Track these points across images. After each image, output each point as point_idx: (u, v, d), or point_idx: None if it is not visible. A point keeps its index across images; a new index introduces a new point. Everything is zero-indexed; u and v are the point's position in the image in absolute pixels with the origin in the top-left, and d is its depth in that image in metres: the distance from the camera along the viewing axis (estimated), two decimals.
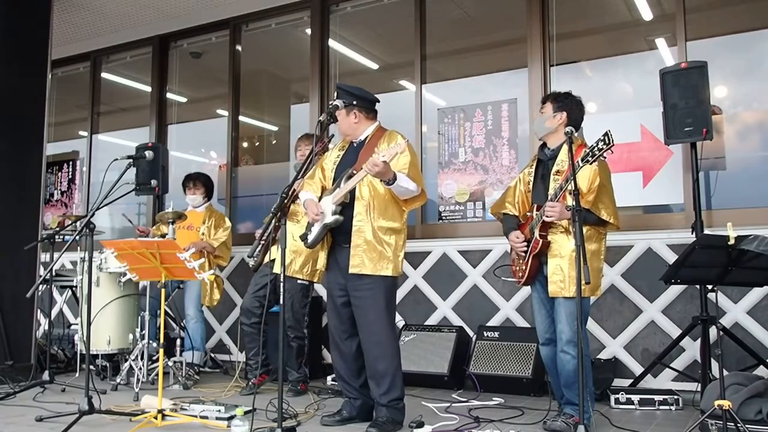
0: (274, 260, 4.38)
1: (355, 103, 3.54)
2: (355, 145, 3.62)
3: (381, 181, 3.30)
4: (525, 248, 3.40)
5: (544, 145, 3.53)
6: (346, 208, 3.45)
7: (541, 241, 3.29)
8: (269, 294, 4.24)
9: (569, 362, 3.24)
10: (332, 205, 3.45)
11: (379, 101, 3.66)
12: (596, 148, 2.97)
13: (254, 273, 4.66)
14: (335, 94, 3.63)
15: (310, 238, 3.54)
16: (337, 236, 3.52)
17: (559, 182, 3.24)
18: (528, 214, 3.48)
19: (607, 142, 2.93)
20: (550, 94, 3.57)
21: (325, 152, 3.93)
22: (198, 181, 5.52)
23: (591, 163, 3.04)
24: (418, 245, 5.21)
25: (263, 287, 4.52)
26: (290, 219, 4.50)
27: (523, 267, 3.42)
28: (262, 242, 4.46)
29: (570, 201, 3.05)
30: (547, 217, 3.22)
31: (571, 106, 3.44)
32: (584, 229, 3.21)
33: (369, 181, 3.40)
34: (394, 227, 3.45)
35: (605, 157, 3.07)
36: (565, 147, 3.30)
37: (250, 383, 4.47)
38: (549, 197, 3.27)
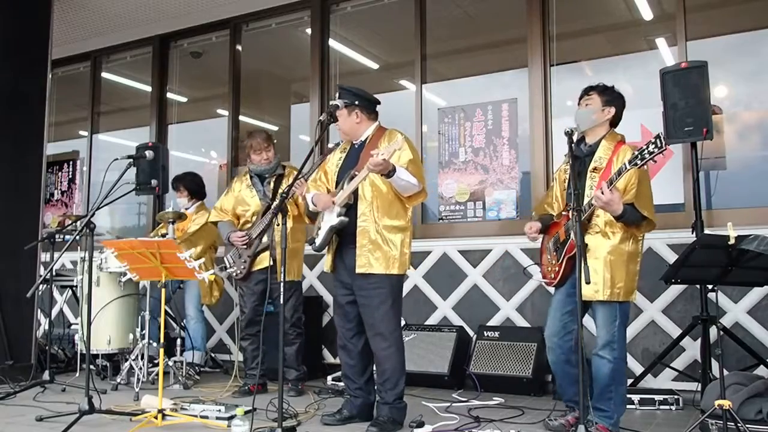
0: (265, 268, 4.36)
1: (357, 103, 3.55)
2: (356, 146, 3.63)
3: (381, 174, 3.31)
4: (535, 235, 3.39)
5: (581, 140, 3.37)
6: (350, 209, 3.47)
7: None
8: (267, 297, 4.21)
9: (605, 366, 3.14)
10: (337, 207, 3.45)
11: (380, 102, 3.67)
12: (646, 152, 2.85)
13: (242, 282, 4.60)
14: (337, 95, 3.63)
15: (318, 241, 3.55)
16: (343, 237, 3.53)
17: (605, 173, 3.10)
18: (563, 213, 3.37)
19: (659, 145, 2.82)
20: (597, 85, 3.36)
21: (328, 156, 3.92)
22: (179, 184, 5.50)
23: (639, 167, 2.93)
24: (418, 245, 5.19)
25: (261, 294, 4.50)
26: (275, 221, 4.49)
27: (557, 268, 3.31)
28: (261, 242, 4.46)
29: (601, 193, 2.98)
30: (595, 199, 3.03)
31: (619, 103, 3.34)
32: (620, 231, 3.14)
33: (372, 180, 3.42)
34: (398, 225, 3.47)
35: (655, 161, 2.91)
36: (604, 143, 3.25)
37: (246, 387, 4.46)
38: (589, 187, 3.16)
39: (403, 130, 3.63)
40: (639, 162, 2.89)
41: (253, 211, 4.58)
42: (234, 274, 4.57)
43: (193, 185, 5.52)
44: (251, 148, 4.59)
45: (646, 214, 3.09)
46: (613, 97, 3.33)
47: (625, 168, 2.95)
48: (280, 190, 4.45)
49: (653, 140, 2.84)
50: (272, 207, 4.49)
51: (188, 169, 5.82)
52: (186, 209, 5.44)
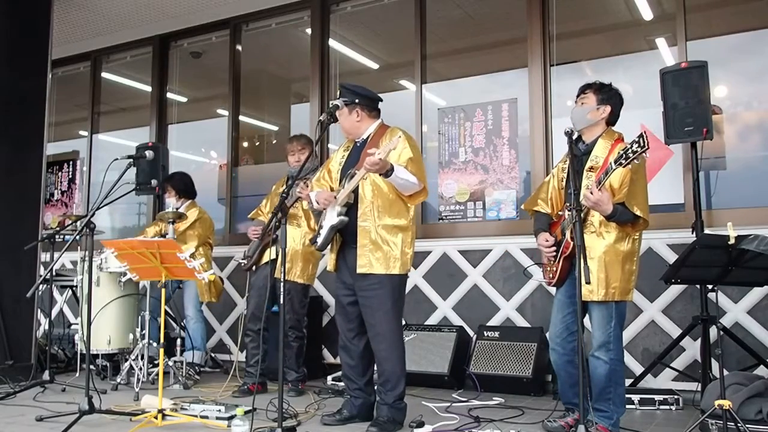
0: (272, 261, 4.37)
1: (357, 101, 3.54)
2: (358, 144, 3.62)
3: (379, 174, 3.30)
4: (554, 253, 3.30)
5: (578, 139, 3.35)
6: (351, 208, 3.46)
7: (572, 243, 3.06)
8: (269, 295, 4.23)
9: (601, 367, 3.12)
10: (337, 206, 3.45)
11: (381, 100, 3.66)
12: (630, 151, 2.84)
13: (250, 273, 4.64)
14: (338, 93, 3.63)
15: (319, 240, 3.55)
16: (346, 237, 3.53)
17: (598, 174, 3.06)
18: (560, 213, 3.36)
19: (642, 144, 2.81)
20: (593, 83, 3.35)
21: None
22: (167, 184, 5.47)
23: (624, 166, 2.91)
24: (418, 245, 5.13)
25: (265, 289, 4.51)
26: (290, 222, 4.51)
27: (554, 269, 3.30)
28: (262, 241, 4.48)
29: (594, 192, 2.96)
30: (584, 199, 3.01)
31: (615, 101, 3.31)
32: (615, 230, 3.11)
33: (372, 180, 3.41)
34: (400, 224, 3.45)
35: (638, 161, 2.91)
36: (600, 142, 3.23)
37: (246, 387, 4.46)
38: (585, 186, 3.10)
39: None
40: (624, 162, 2.88)
41: None
42: (241, 264, 4.67)
43: (180, 185, 5.48)
44: (288, 150, 4.72)
45: (638, 213, 3.05)
46: (608, 96, 3.31)
47: (612, 168, 2.95)
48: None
49: (636, 139, 2.85)
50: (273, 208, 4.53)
51: (189, 170, 5.82)
52: (177, 209, 5.40)
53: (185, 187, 5.50)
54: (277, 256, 4.12)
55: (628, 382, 4.29)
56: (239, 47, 6.68)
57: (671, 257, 4.26)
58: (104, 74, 7.57)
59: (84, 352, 4.04)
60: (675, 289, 4.36)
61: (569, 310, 3.27)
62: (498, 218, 5.21)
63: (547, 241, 3.34)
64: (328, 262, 3.67)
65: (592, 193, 2.98)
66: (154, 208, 6.70)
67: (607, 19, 5.18)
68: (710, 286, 3.47)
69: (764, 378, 3.39)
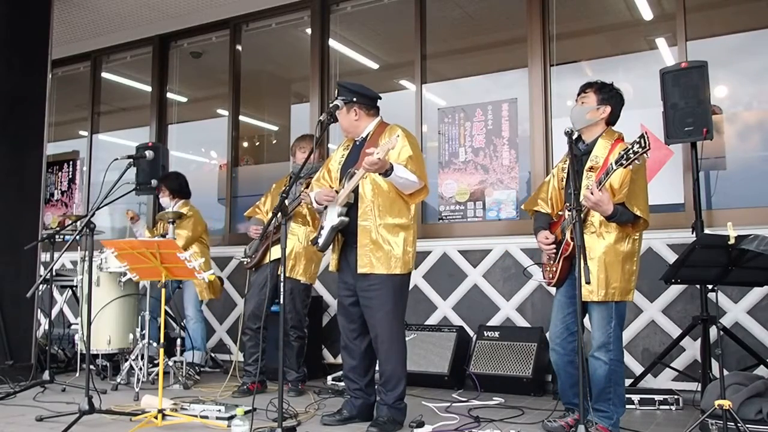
0: (276, 260, 4.37)
1: (355, 99, 3.53)
2: (357, 143, 3.62)
3: (379, 174, 3.30)
4: (554, 250, 3.28)
5: (578, 139, 3.34)
6: (351, 208, 3.45)
7: (572, 243, 3.05)
8: (269, 293, 4.22)
9: (601, 367, 3.12)
10: (337, 206, 3.45)
11: (380, 98, 3.65)
12: (631, 151, 2.83)
13: (250, 272, 4.65)
14: (336, 92, 3.62)
15: (320, 240, 3.54)
16: (347, 237, 3.52)
17: (599, 174, 3.06)
18: (560, 213, 3.36)
19: (642, 145, 2.80)
20: (594, 82, 3.33)
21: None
22: (161, 183, 5.45)
23: (625, 167, 2.90)
24: (418, 245, 5.17)
25: (265, 287, 4.51)
26: (296, 221, 4.51)
27: (554, 269, 3.29)
28: (262, 241, 4.48)
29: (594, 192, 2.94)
30: (585, 200, 3.00)
31: (615, 101, 3.29)
32: (615, 231, 3.11)
33: (372, 179, 3.40)
34: (401, 223, 3.44)
35: (640, 161, 2.89)
36: (600, 141, 3.22)
37: (245, 387, 4.46)
38: (585, 187, 3.09)
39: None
40: (624, 162, 2.87)
41: None
42: (245, 262, 4.67)
43: (175, 184, 5.45)
44: (297, 147, 4.72)
45: (639, 213, 3.04)
46: (609, 96, 3.30)
47: (612, 168, 2.94)
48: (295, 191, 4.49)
49: (637, 139, 2.84)
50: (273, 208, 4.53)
51: (189, 170, 5.82)
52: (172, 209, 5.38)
53: (179, 187, 5.49)
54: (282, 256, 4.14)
55: (628, 382, 4.29)
56: (239, 47, 6.68)
57: (671, 257, 4.26)
58: (104, 74, 7.57)
59: (84, 352, 4.04)
60: (675, 289, 4.36)
61: (569, 311, 3.26)
62: (498, 218, 5.21)
63: (546, 238, 3.33)
64: (330, 262, 3.66)
65: (592, 193, 2.98)
66: (154, 208, 6.70)
67: (607, 19, 5.18)
68: (710, 286, 3.46)
69: (764, 378, 3.39)
